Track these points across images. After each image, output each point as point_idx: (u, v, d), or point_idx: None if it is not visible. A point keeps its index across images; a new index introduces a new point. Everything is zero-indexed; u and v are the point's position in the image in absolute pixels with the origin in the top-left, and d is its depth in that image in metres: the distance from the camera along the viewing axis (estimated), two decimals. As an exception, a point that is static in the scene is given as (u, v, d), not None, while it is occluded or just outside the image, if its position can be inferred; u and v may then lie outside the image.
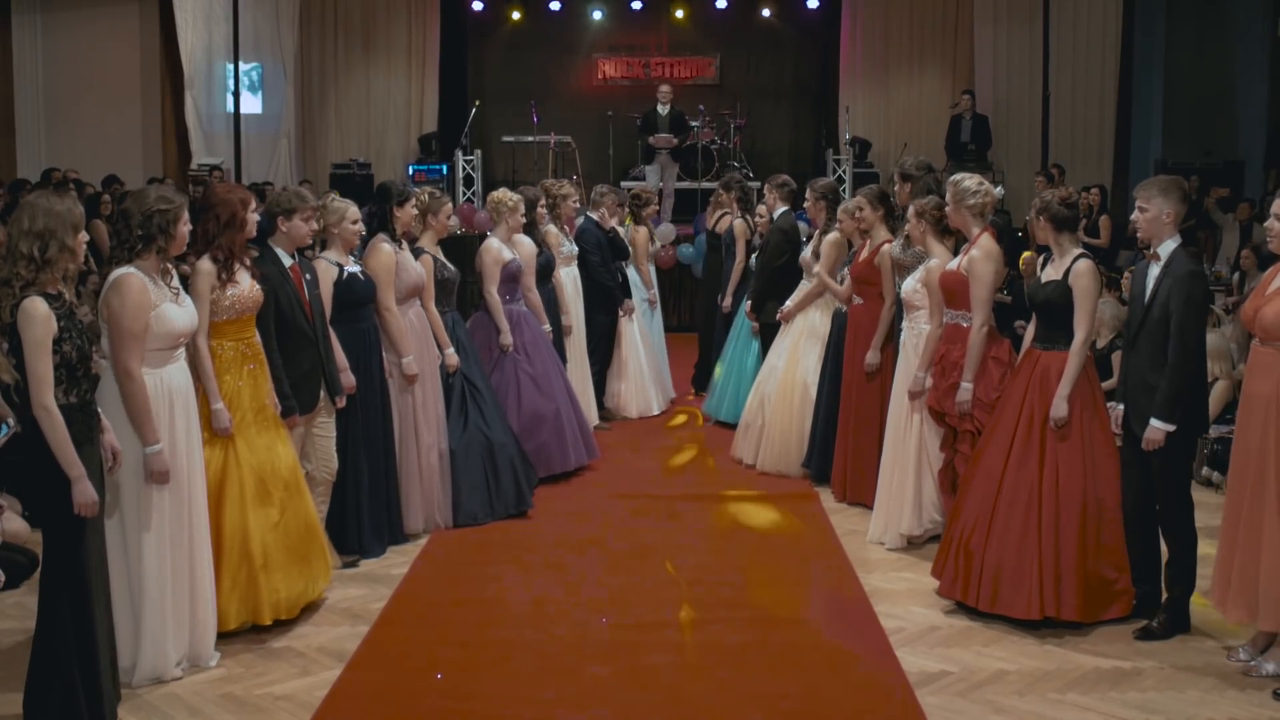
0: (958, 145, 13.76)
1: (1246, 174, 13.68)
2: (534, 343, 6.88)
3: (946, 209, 5.38)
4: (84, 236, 3.79)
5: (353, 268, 5.52)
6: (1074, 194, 4.87)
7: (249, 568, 4.58)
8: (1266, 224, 4.51)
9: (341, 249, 5.50)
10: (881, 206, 6.43)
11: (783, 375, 7.09)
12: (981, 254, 5.16)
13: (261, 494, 4.64)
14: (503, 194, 6.94)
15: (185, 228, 4.18)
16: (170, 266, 4.23)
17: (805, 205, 7.39)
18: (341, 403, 5.29)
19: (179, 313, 4.17)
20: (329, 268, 5.41)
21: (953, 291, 5.30)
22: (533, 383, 6.79)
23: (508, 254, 6.80)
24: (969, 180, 5.32)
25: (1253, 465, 4.21)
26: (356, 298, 5.49)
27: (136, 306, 3.97)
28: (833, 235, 7.01)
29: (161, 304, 4.09)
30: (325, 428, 5.24)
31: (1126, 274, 8.76)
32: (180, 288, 4.24)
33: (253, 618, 4.62)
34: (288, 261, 5.06)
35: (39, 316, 3.61)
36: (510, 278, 6.82)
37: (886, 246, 6.30)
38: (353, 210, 5.52)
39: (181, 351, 4.26)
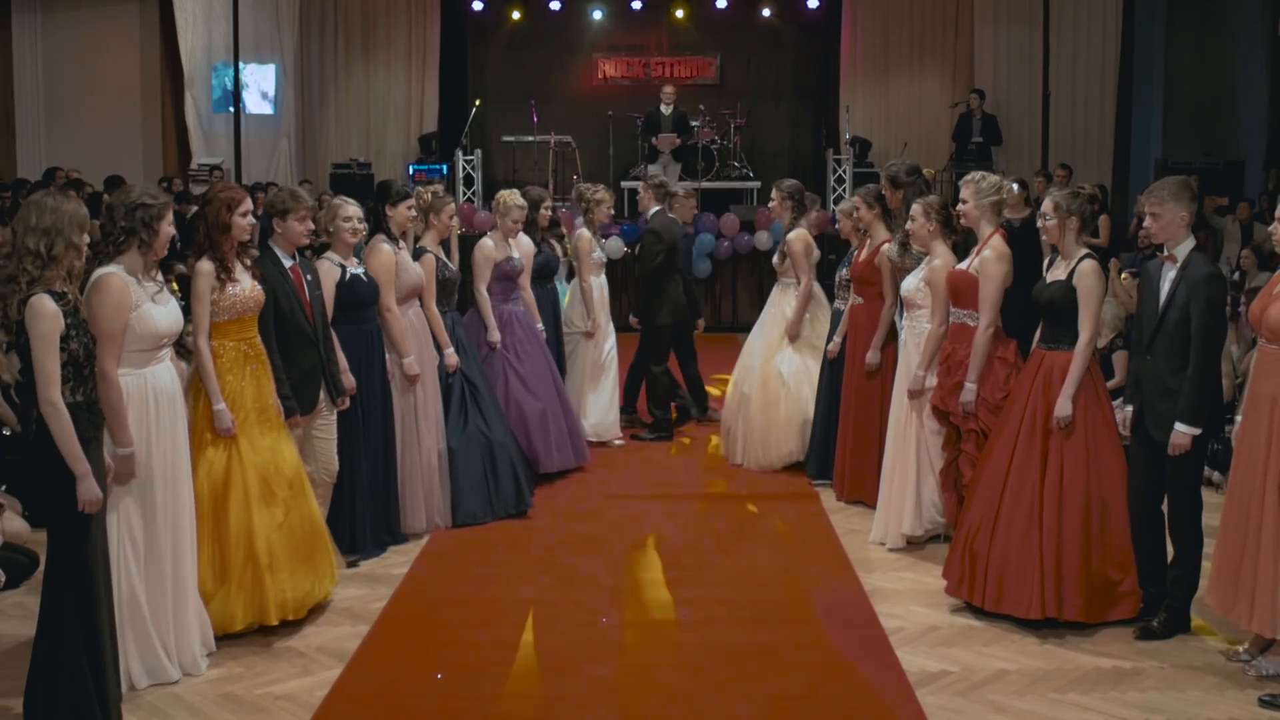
0: (966, 143, 13.78)
1: (1246, 174, 13.67)
2: (525, 342, 6.88)
3: (960, 206, 5.38)
4: (88, 237, 3.80)
5: (356, 269, 5.52)
6: (1096, 192, 4.88)
7: (254, 568, 4.57)
8: (1270, 228, 4.51)
9: (342, 249, 5.48)
10: (878, 206, 6.44)
11: (759, 373, 7.13)
12: (994, 254, 5.17)
13: (266, 494, 4.63)
14: (508, 194, 6.97)
15: (169, 228, 4.14)
16: (156, 267, 4.19)
17: (771, 205, 7.44)
18: (344, 404, 5.28)
19: (161, 313, 4.13)
20: (331, 268, 5.41)
21: (961, 291, 5.30)
22: (520, 382, 6.78)
23: (500, 253, 6.80)
24: (990, 178, 5.35)
25: (1257, 465, 4.20)
26: (358, 299, 5.49)
27: (115, 306, 3.94)
28: (797, 232, 7.10)
29: (143, 304, 4.06)
30: (325, 429, 5.23)
31: (1126, 274, 8.76)
32: (159, 284, 4.19)
33: (259, 618, 4.61)
34: (288, 262, 5.06)
35: (47, 313, 3.62)
36: (504, 277, 6.82)
37: (887, 247, 6.31)
38: (345, 209, 5.46)
39: (167, 352, 4.23)
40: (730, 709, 4.11)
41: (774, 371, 7.07)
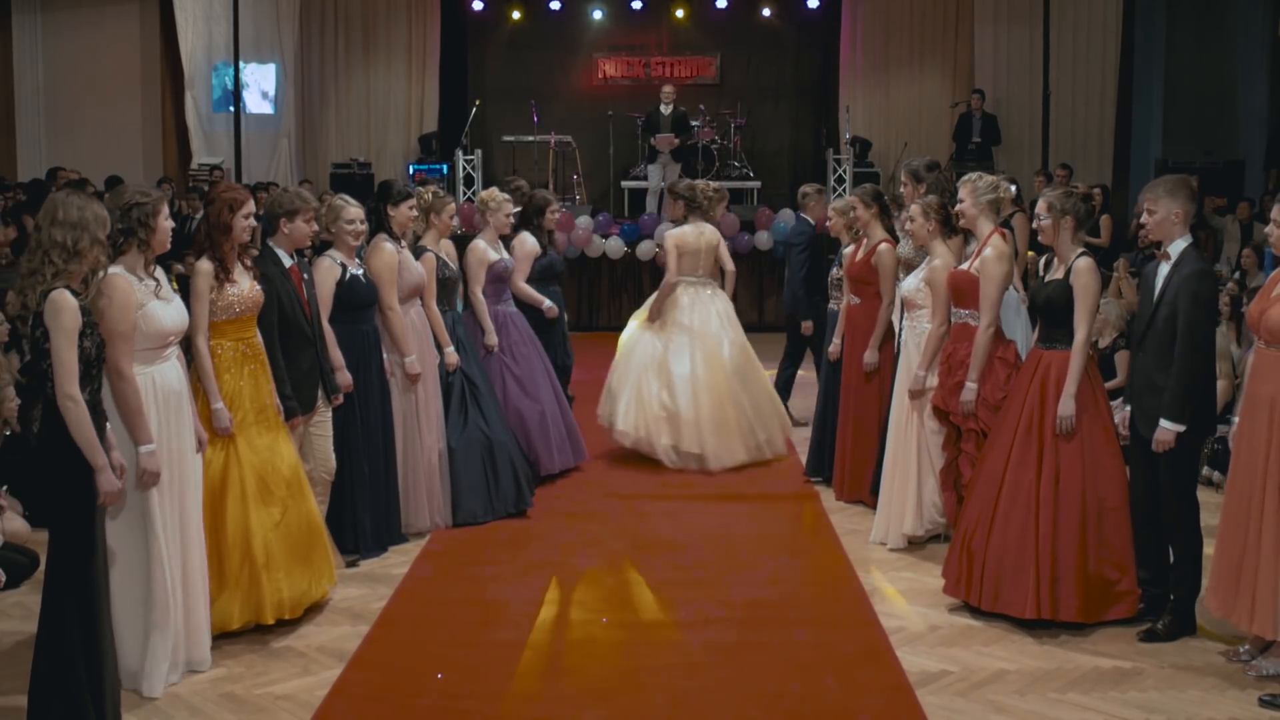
0: (966, 143, 13.79)
1: (1246, 174, 13.68)
2: (520, 344, 6.88)
3: (958, 206, 5.38)
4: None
5: (356, 269, 5.52)
6: (1092, 191, 4.87)
7: (251, 567, 4.57)
8: (1267, 229, 4.50)
9: (345, 249, 5.49)
10: (875, 205, 6.43)
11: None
12: (994, 254, 5.16)
13: (263, 493, 4.63)
14: (490, 193, 6.95)
15: (166, 222, 4.12)
16: (155, 264, 4.18)
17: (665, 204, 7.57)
18: (338, 400, 5.28)
19: (167, 311, 4.12)
20: (332, 267, 5.42)
21: (962, 291, 5.30)
22: (517, 384, 6.78)
23: (493, 254, 6.78)
24: (986, 178, 5.35)
25: (1257, 467, 4.19)
26: (357, 299, 5.49)
27: (122, 307, 3.92)
28: (675, 231, 7.38)
29: (148, 303, 4.06)
30: (322, 427, 5.23)
31: (1121, 268, 8.78)
32: (161, 282, 4.16)
33: (255, 617, 4.61)
34: (288, 262, 5.06)
35: (68, 307, 3.63)
36: (497, 278, 6.81)
37: (884, 246, 6.31)
38: (349, 210, 5.48)
39: (172, 350, 4.22)
40: (730, 709, 4.11)
41: (623, 341, 7.52)
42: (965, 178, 5.45)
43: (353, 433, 5.46)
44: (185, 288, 4.56)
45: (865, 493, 6.31)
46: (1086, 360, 4.69)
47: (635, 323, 7.54)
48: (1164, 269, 4.54)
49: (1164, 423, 4.43)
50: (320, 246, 5.76)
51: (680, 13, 15.44)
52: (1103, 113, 14.61)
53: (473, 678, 4.35)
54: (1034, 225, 4.99)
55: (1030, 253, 8.82)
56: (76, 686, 3.72)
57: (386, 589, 5.21)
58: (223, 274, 4.59)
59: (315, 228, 5.21)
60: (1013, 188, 5.42)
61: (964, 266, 5.35)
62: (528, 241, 7.19)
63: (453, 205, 6.36)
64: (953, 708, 4.10)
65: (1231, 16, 14.17)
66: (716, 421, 7.11)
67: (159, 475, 4.07)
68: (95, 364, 3.76)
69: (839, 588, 5.26)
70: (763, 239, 12.93)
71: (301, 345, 5.03)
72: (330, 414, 5.27)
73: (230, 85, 13.57)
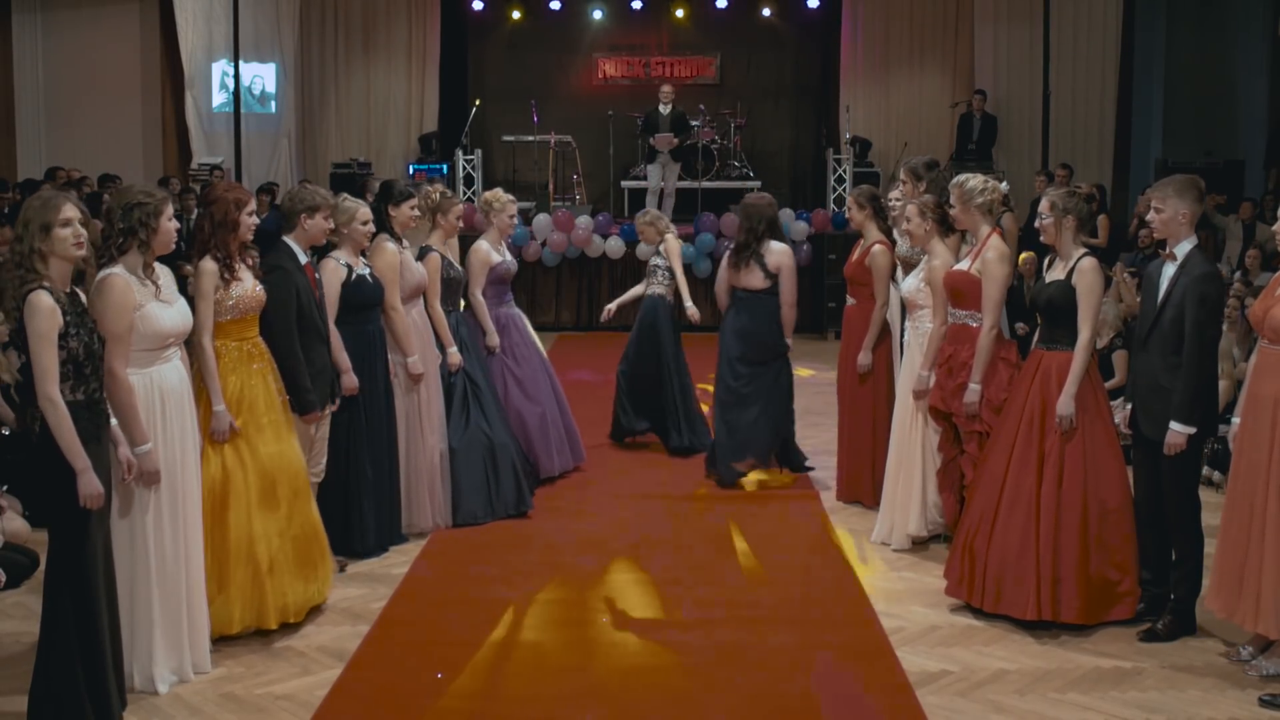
0: (967, 144, 13.80)
1: (1247, 174, 13.67)
2: (521, 345, 6.87)
3: (952, 210, 5.36)
4: (70, 232, 3.71)
5: (362, 269, 5.52)
6: (1093, 191, 4.87)
7: (254, 572, 4.54)
8: (1275, 228, 4.49)
9: (352, 250, 5.49)
10: (870, 206, 6.42)
11: None
12: (995, 255, 5.14)
13: (267, 497, 4.60)
14: (494, 193, 6.89)
15: (170, 223, 4.09)
16: (156, 265, 4.15)
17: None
18: (334, 406, 5.27)
19: (167, 312, 4.10)
20: (338, 268, 5.41)
21: (960, 292, 5.28)
22: (519, 386, 6.78)
23: (496, 256, 6.76)
24: (974, 179, 5.31)
25: (1260, 468, 4.19)
26: (364, 299, 5.49)
27: (118, 307, 3.90)
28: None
29: (147, 304, 4.03)
30: (322, 428, 5.23)
31: (1118, 272, 8.79)
32: (161, 284, 4.13)
33: (257, 622, 4.58)
34: (303, 259, 5.05)
35: (44, 309, 3.62)
36: (499, 279, 6.79)
37: (878, 247, 6.30)
38: (363, 211, 5.50)
39: (173, 351, 4.19)
40: (730, 709, 4.11)
41: None
42: (953, 181, 5.42)
43: (356, 433, 5.46)
44: (186, 289, 4.55)
45: (863, 493, 6.32)
46: (1089, 360, 4.69)
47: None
48: (1169, 269, 4.54)
49: (1174, 425, 4.43)
50: (324, 248, 5.75)
51: (680, 13, 15.43)
52: (1103, 113, 14.60)
53: (473, 678, 4.35)
54: (1036, 224, 4.98)
55: (1030, 253, 8.83)
56: (74, 687, 3.72)
57: (386, 589, 5.21)
58: (227, 273, 4.58)
59: (332, 225, 5.21)
60: (1003, 185, 5.39)
61: (961, 266, 5.34)
62: (672, 241, 7.08)
63: (460, 206, 6.36)
64: (953, 708, 4.10)
65: (1231, 16, 14.16)
66: None
67: (159, 474, 4.06)
68: (87, 363, 3.74)
69: (839, 588, 5.27)
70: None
71: (315, 342, 5.01)
72: (330, 415, 5.26)
73: (231, 84, 13.54)
